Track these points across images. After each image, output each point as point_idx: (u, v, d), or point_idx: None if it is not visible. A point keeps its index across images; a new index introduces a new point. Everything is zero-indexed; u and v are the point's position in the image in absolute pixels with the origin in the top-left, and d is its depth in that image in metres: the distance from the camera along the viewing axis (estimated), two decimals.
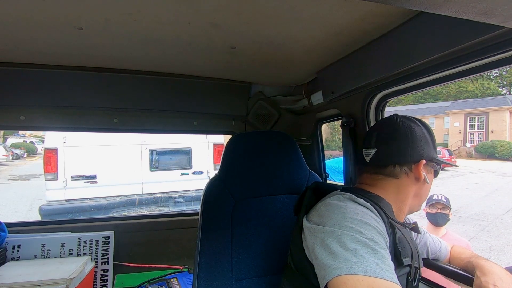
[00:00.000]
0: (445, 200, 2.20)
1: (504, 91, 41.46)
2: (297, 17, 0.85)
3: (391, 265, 0.59)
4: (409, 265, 0.74)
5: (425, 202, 2.23)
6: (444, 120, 32.09)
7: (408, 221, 0.91)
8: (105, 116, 1.50)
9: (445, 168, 16.80)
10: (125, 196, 4.35)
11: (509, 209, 7.88)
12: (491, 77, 42.46)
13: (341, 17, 0.84)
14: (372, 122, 1.21)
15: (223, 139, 4.92)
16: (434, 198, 2.22)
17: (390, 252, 0.67)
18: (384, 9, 0.80)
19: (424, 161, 0.79)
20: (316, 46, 1.06)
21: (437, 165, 0.84)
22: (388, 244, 0.67)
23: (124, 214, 4.14)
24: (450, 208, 2.17)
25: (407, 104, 40.25)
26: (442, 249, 1.04)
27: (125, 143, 4.37)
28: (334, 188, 0.85)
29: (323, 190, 0.84)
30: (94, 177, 4.21)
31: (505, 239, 5.75)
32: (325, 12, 0.81)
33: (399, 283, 0.56)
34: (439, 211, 2.15)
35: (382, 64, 0.98)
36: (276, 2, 0.76)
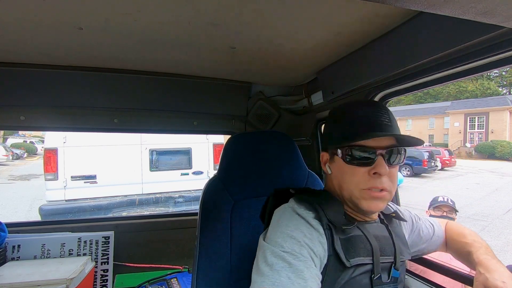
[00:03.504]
0: (451, 203, 2.01)
1: (504, 91, 41.51)
2: (297, 18, 0.85)
3: (308, 277, 0.61)
4: (369, 263, 0.72)
5: (429, 203, 2.15)
6: (444, 120, 32.15)
7: (389, 212, 0.88)
8: (105, 116, 1.50)
9: (445, 168, 16.81)
10: (125, 196, 4.35)
11: (509, 209, 7.88)
12: (491, 77, 42.53)
13: (341, 17, 0.84)
14: None
15: (223, 139, 4.92)
16: (439, 200, 2.04)
17: (330, 255, 0.69)
18: (384, 9, 0.80)
19: (324, 154, 0.83)
20: (316, 46, 1.06)
21: (343, 150, 0.75)
22: (326, 249, 0.69)
23: (124, 214, 4.14)
24: (457, 212, 2.01)
25: (407, 104, 40.31)
26: (435, 235, 0.97)
27: (125, 143, 4.37)
28: (291, 193, 0.84)
29: (284, 196, 0.84)
30: (94, 177, 4.21)
31: (505, 239, 5.75)
32: (325, 12, 0.81)
33: None
34: (444, 214, 1.98)
35: (382, 64, 0.98)
36: (276, 2, 0.76)
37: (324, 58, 1.20)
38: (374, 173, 0.71)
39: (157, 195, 4.50)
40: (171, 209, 4.45)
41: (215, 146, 4.82)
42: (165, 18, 0.85)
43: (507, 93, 38.75)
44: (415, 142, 0.75)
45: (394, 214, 0.87)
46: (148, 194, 4.48)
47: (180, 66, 1.34)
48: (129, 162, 4.39)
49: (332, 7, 0.78)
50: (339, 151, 0.76)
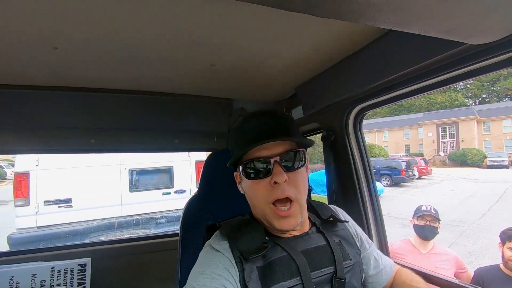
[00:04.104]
0: (434, 212, 2.06)
1: (470, 102, 44.38)
2: (275, 36, 0.87)
3: None
4: (297, 284, 0.68)
5: (413, 213, 2.19)
6: (418, 131, 33.67)
7: (327, 216, 0.83)
8: (81, 137, 1.45)
9: (422, 177, 17.42)
10: (103, 219, 4.15)
11: (483, 214, 8.23)
12: (458, 89, 45.59)
13: (317, 34, 0.88)
14: (351, 135, 1.24)
15: (205, 156, 4.85)
16: (422, 209, 2.08)
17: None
18: (357, 27, 0.84)
19: (236, 174, 0.81)
20: (295, 62, 1.09)
21: (242, 167, 0.74)
22: (238, 283, 0.66)
23: (102, 238, 3.93)
24: (439, 221, 2.05)
25: (383, 117, 41.99)
26: (378, 275, 0.87)
27: (103, 164, 4.21)
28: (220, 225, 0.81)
29: (215, 229, 0.81)
30: (69, 200, 3.99)
31: (482, 243, 5.95)
32: (303, 30, 0.85)
33: None
34: (427, 223, 2.03)
35: (358, 79, 1.02)
36: (254, 21, 0.78)
37: (302, 74, 1.23)
38: (275, 183, 0.69)
39: (138, 217, 4.32)
40: (153, 231, 4.28)
41: (198, 163, 4.75)
42: (144, 36, 0.85)
43: (473, 104, 41.43)
44: (308, 143, 0.76)
45: (331, 219, 0.83)
46: (128, 216, 4.29)
47: (159, 84, 1.33)
48: (107, 184, 4.22)
49: (308, 25, 0.82)
50: (240, 168, 0.75)
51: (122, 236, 4.01)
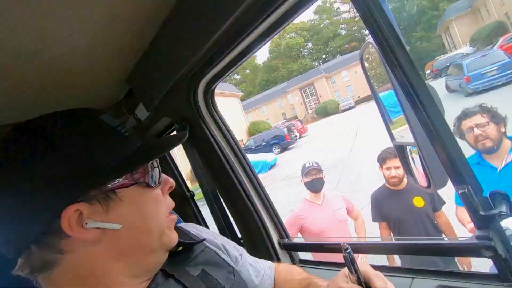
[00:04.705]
0: (316, 165, 2.23)
1: (316, 64, 53.57)
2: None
3: None
4: None
5: (301, 172, 2.28)
6: (288, 98, 38.47)
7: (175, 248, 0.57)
8: None
9: (303, 135, 20.07)
10: None
11: (350, 149, 10.07)
12: (305, 55, 54.16)
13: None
14: (207, 118, 1.02)
15: None
16: (306, 166, 2.23)
17: None
18: None
19: (73, 208, 0.41)
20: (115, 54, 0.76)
21: (138, 175, 0.48)
22: None
23: None
24: (322, 171, 2.24)
25: (256, 95, 45.78)
26: (263, 282, 0.72)
27: None
28: None
29: None
30: None
31: (358, 172, 7.19)
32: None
33: None
34: (314, 177, 2.18)
35: (186, 44, 0.79)
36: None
37: (126, 61, 0.93)
38: (170, 188, 0.54)
39: None
40: None
41: None
42: None
43: (319, 65, 50.16)
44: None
45: (181, 248, 0.58)
46: None
47: None
48: None
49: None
50: (133, 177, 0.47)
51: None
